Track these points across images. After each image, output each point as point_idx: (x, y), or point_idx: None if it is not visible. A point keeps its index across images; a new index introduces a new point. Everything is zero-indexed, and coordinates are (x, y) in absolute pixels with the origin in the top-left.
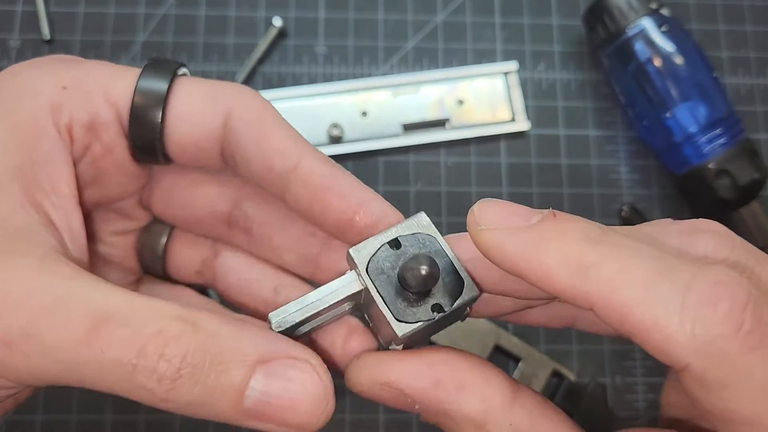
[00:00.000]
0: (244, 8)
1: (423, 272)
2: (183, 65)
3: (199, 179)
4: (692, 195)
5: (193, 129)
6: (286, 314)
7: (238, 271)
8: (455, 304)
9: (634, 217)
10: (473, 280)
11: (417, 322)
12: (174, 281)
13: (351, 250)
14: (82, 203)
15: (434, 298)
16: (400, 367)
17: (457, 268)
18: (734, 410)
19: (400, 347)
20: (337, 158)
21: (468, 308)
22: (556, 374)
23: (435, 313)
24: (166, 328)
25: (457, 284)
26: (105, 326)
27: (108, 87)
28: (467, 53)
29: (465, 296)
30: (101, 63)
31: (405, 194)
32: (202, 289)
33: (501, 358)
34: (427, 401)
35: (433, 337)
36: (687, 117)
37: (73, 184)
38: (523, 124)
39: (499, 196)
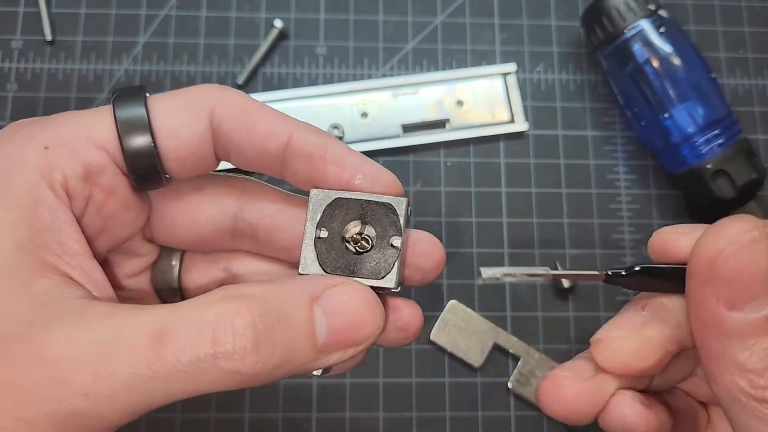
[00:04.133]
0: (245, 9)
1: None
2: (145, 88)
3: (196, 200)
4: (690, 195)
5: (185, 141)
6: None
7: (258, 273)
8: (368, 281)
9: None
10: (401, 275)
11: (324, 269)
12: None
13: (314, 191)
14: (96, 254)
15: (362, 264)
16: None
17: (397, 256)
18: None
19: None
20: None
21: (392, 289)
22: None
23: (344, 275)
24: (222, 310)
25: (387, 266)
26: (167, 337)
27: (90, 133)
28: (467, 54)
29: (380, 281)
30: (73, 113)
31: (405, 194)
32: None
33: (500, 358)
34: None
35: (433, 337)
36: (685, 117)
37: (82, 240)
38: (521, 125)
39: (498, 196)
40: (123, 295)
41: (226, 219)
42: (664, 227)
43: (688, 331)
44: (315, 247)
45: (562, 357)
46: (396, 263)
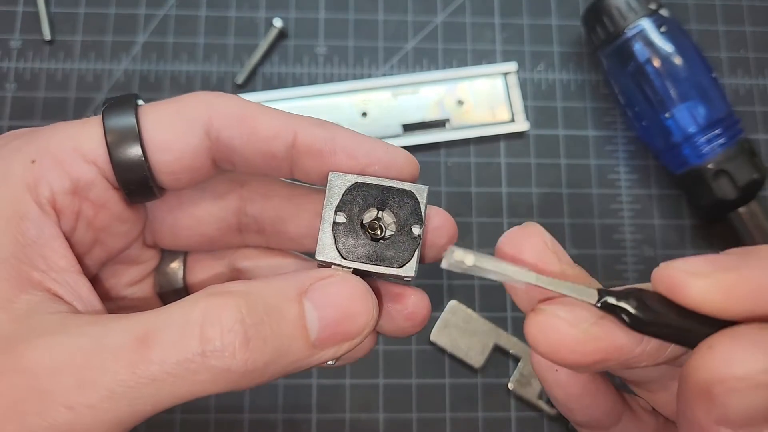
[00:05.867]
0: (244, 9)
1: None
2: (138, 96)
3: (197, 200)
4: (691, 195)
5: (178, 155)
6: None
7: (263, 268)
8: (387, 269)
9: None
10: (417, 265)
11: (341, 255)
12: None
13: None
14: (89, 266)
15: (380, 252)
16: None
17: (417, 245)
18: None
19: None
20: None
21: (408, 278)
22: None
23: (362, 262)
24: (209, 306)
25: (407, 255)
26: (152, 338)
27: (78, 146)
28: (467, 54)
29: (399, 270)
30: (61, 125)
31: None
32: None
33: (501, 359)
34: None
35: (433, 338)
36: (686, 117)
37: (69, 256)
38: (522, 125)
39: (498, 196)
40: (125, 304)
41: (229, 216)
42: (673, 261)
43: (652, 353)
44: (333, 232)
45: None
46: (416, 252)
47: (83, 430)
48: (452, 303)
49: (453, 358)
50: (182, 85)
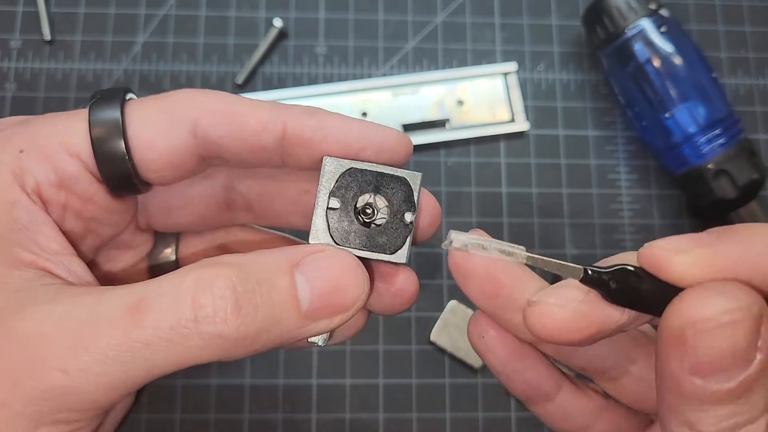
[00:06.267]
0: (244, 9)
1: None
2: (129, 90)
3: (186, 181)
4: (691, 195)
5: (162, 153)
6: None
7: (253, 246)
8: (379, 255)
9: None
10: (407, 251)
11: (334, 240)
12: None
13: (328, 159)
14: (83, 253)
15: (373, 237)
16: None
17: (409, 231)
18: None
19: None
20: None
21: (398, 263)
22: None
23: (355, 248)
24: (201, 276)
25: (399, 241)
26: (145, 305)
27: (64, 139)
28: (467, 54)
29: (391, 256)
30: (51, 116)
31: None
32: None
33: None
34: None
35: (433, 338)
36: (686, 117)
37: (62, 240)
38: (522, 125)
39: (498, 196)
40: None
41: (218, 192)
42: (656, 241)
43: (631, 319)
44: (326, 217)
45: None
46: (408, 239)
47: (77, 393)
48: (452, 303)
49: (453, 358)
50: (182, 86)
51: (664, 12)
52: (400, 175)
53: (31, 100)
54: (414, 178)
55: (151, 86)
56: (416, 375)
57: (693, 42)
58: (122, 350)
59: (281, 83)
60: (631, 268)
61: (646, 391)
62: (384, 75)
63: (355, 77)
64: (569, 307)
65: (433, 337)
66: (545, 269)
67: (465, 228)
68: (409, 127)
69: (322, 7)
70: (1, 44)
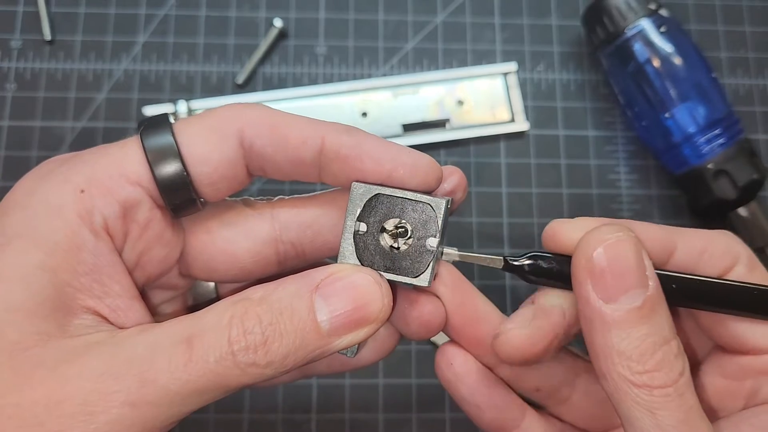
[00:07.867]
0: (244, 9)
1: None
2: (169, 115)
3: (230, 238)
4: (691, 195)
5: (216, 166)
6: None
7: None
8: (403, 278)
9: None
10: (432, 276)
11: (362, 263)
12: None
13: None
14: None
15: (398, 261)
16: None
17: (432, 256)
18: None
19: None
20: None
21: (419, 286)
22: None
23: (379, 270)
24: (234, 313)
25: (422, 266)
26: (195, 341)
27: (122, 170)
28: (467, 54)
29: (414, 280)
30: (102, 149)
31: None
32: None
33: None
34: None
35: (433, 338)
36: (686, 117)
37: (124, 281)
38: (522, 125)
39: (498, 196)
40: (157, 320)
41: (266, 249)
42: (556, 219)
43: (572, 317)
44: (353, 241)
45: None
46: (431, 263)
47: (142, 425)
48: None
49: None
50: (182, 85)
51: (663, 12)
52: (425, 201)
53: (31, 100)
54: (438, 204)
55: (151, 86)
56: (416, 375)
57: (693, 42)
58: (182, 383)
59: (281, 83)
60: (539, 252)
61: (595, 407)
62: (384, 75)
63: (355, 77)
64: (525, 325)
65: (433, 337)
66: (475, 263)
67: (465, 227)
68: (409, 127)
69: (322, 7)
70: (1, 44)
